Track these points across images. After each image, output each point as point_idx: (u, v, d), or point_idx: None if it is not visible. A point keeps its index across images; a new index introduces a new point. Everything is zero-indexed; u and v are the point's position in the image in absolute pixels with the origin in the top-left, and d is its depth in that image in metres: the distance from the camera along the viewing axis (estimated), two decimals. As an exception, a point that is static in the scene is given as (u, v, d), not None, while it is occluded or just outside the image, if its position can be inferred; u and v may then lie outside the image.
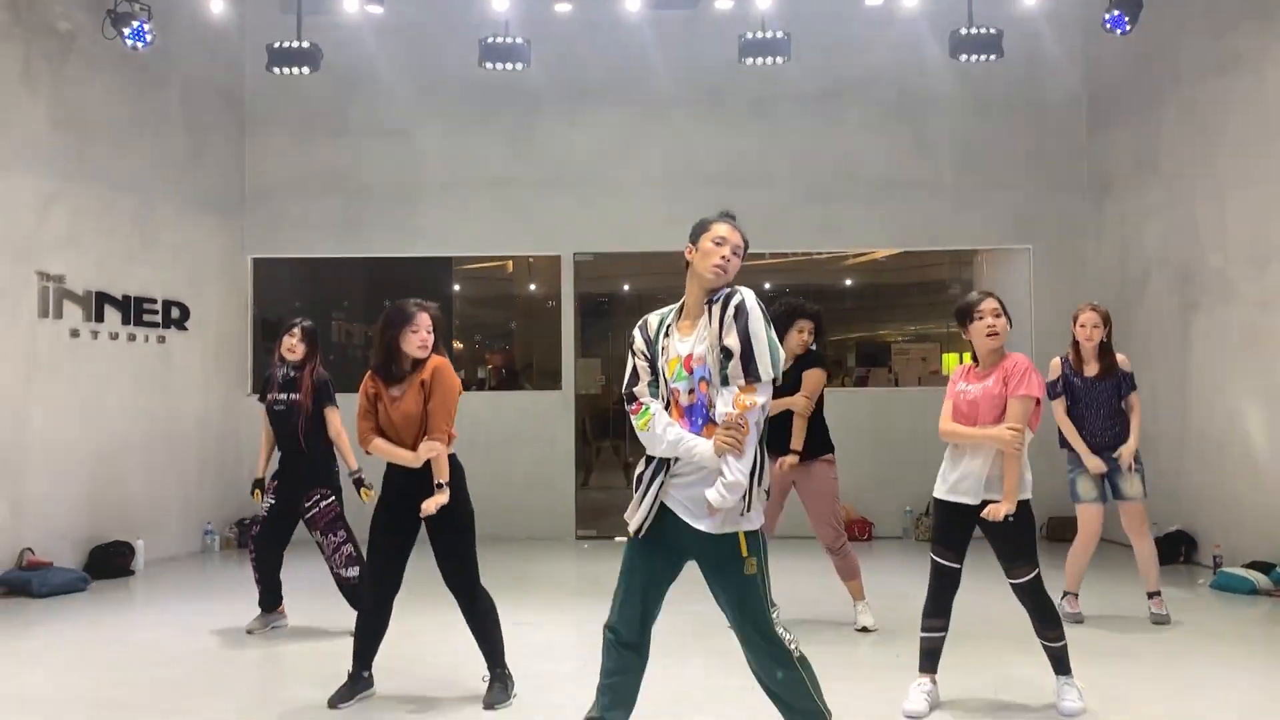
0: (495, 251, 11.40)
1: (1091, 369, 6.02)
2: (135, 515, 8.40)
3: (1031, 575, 4.33)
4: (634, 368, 3.48)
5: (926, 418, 9.35)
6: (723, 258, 3.39)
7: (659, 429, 3.33)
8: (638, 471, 3.44)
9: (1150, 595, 6.12)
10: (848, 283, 16.10)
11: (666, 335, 3.46)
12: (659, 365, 3.43)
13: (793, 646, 3.38)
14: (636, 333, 3.51)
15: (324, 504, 5.83)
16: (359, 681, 4.60)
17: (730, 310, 3.32)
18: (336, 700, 4.50)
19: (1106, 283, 9.36)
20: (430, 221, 10.05)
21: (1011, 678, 4.82)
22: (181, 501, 9.02)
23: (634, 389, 3.46)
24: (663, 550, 3.43)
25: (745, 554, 3.32)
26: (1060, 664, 4.44)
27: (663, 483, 3.35)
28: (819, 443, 5.95)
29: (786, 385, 5.95)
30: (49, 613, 6.65)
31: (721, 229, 3.43)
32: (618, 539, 9.68)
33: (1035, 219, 9.80)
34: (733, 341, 3.28)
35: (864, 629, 5.86)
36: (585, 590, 7.56)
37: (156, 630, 6.09)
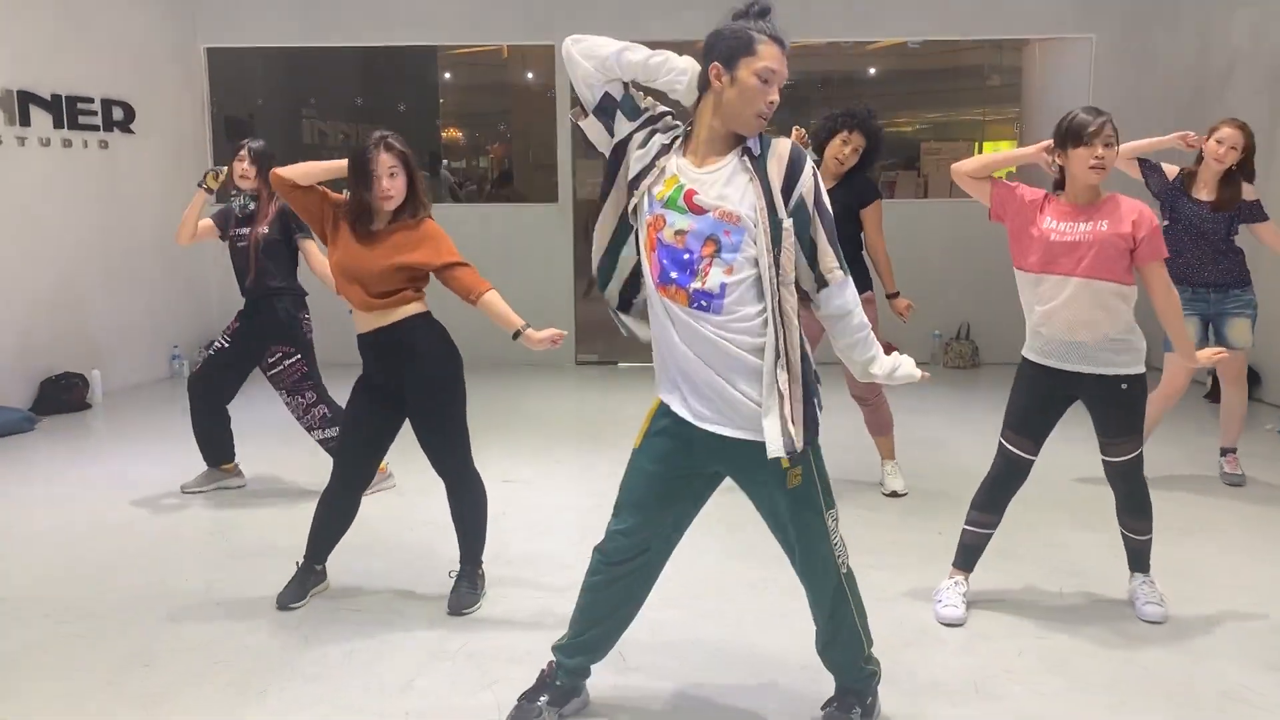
0: (480, 40, 10.10)
1: (1206, 192, 5.08)
2: (92, 342, 7.64)
3: (1136, 453, 3.59)
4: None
5: (959, 231, 8.49)
6: (770, 103, 2.51)
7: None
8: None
9: (1225, 452, 5.41)
10: (871, 71, 14.69)
11: (667, 152, 2.61)
12: (632, 158, 2.63)
13: (841, 560, 2.74)
14: (652, 116, 2.69)
15: (287, 363, 5.04)
16: (310, 575, 3.92)
17: (802, 176, 2.56)
18: (286, 600, 3.81)
19: (1182, 81, 8.17)
20: (405, 4, 8.78)
21: (1074, 566, 4.14)
22: (145, 324, 8.24)
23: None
24: (680, 454, 2.69)
25: (786, 464, 2.58)
26: (1139, 559, 3.77)
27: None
28: (860, 281, 5.06)
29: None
30: (-14, 460, 5.99)
31: (770, 56, 2.50)
32: (621, 364, 8.96)
33: (1100, 3, 8.50)
34: (816, 230, 2.59)
35: (893, 494, 5.16)
36: (587, 432, 6.83)
37: (95, 487, 5.39)
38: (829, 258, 2.59)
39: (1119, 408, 3.52)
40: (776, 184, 2.53)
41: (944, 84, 14.36)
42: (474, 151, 15.64)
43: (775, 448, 2.50)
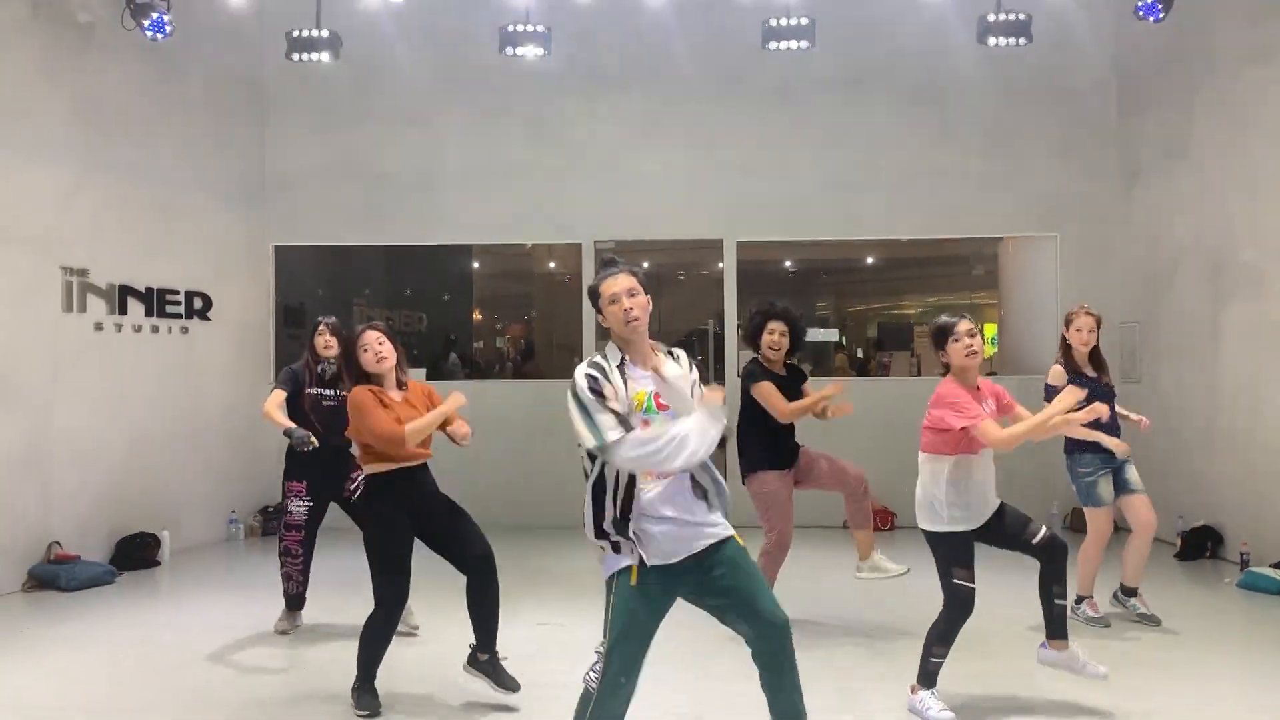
0: (515, 240, 11.36)
1: (1090, 370, 5.97)
2: (161, 506, 8.47)
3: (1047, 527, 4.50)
4: (605, 411, 3.36)
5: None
6: (627, 310, 3.43)
7: (673, 440, 3.24)
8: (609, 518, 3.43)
9: (1133, 592, 6.08)
10: (869, 260, 15.96)
11: (623, 373, 3.46)
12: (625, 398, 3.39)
13: None
14: (598, 375, 3.40)
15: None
16: (375, 695, 4.66)
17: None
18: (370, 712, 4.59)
19: (1134, 273, 9.24)
20: (449, 209, 10.02)
21: (1036, 685, 4.80)
22: (207, 491, 9.08)
23: (610, 432, 3.33)
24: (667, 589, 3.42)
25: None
26: (1059, 625, 4.48)
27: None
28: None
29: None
30: (76, 608, 6.71)
31: (612, 287, 3.47)
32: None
33: (1062, 207, 9.66)
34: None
35: (906, 571, 5.82)
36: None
37: (182, 630, 6.15)
38: None
39: (1011, 510, 4.47)
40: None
41: (934, 270, 15.61)
42: (499, 331, 16.90)
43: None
